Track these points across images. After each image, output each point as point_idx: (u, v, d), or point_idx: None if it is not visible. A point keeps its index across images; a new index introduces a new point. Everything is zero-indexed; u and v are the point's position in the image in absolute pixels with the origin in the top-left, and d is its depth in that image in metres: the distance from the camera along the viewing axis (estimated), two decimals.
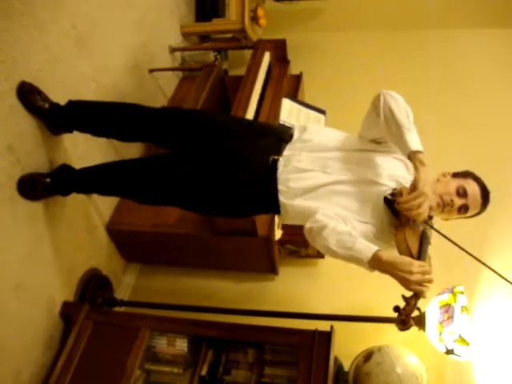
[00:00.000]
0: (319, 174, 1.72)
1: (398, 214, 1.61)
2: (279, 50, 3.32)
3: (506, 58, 3.76)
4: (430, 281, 1.42)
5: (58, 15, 2.26)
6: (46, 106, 2.09)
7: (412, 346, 2.20)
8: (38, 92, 2.08)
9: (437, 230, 1.59)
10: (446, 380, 2.31)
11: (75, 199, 2.36)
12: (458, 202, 1.67)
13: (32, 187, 2.07)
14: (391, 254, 1.52)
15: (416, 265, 1.43)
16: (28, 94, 2.03)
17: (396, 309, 1.43)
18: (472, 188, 1.68)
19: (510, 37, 3.88)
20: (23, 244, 2.09)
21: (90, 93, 2.53)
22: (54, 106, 2.11)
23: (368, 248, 1.52)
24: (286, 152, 1.81)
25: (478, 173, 1.75)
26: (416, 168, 1.56)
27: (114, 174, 2.04)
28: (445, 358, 2.15)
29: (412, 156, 1.58)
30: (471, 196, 1.67)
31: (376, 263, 1.49)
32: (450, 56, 3.84)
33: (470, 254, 1.55)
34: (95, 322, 2.22)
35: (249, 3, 3.55)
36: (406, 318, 1.41)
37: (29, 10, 2.06)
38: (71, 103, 2.12)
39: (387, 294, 2.54)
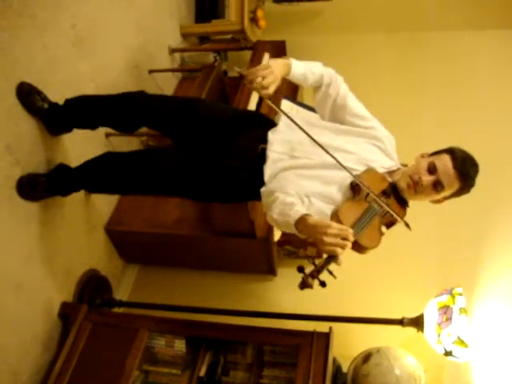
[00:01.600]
0: (286, 157, 1.74)
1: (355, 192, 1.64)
2: (278, 51, 3.31)
3: (504, 58, 3.77)
4: (343, 245, 1.36)
5: (57, 15, 2.26)
6: (46, 106, 2.09)
7: (410, 348, 2.21)
8: (38, 92, 2.08)
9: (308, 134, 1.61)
10: (444, 382, 2.31)
11: (74, 200, 2.36)
12: (428, 178, 1.62)
13: (31, 188, 2.07)
14: (319, 218, 1.49)
15: (333, 227, 1.39)
16: (27, 95, 2.04)
17: (300, 269, 1.39)
18: (442, 162, 1.62)
19: (507, 38, 3.88)
20: (22, 244, 2.09)
21: (88, 93, 2.52)
22: (53, 105, 2.11)
23: (298, 212, 1.51)
24: (269, 139, 1.82)
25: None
26: None
27: (108, 165, 2.03)
28: (443, 360, 2.15)
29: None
30: (441, 170, 1.61)
31: (302, 226, 1.47)
32: (448, 58, 3.84)
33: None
34: (94, 323, 2.21)
35: (248, 4, 3.55)
36: (309, 279, 1.36)
37: (28, 11, 2.06)
38: (68, 100, 2.12)
39: (386, 296, 2.57)
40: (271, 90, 1.59)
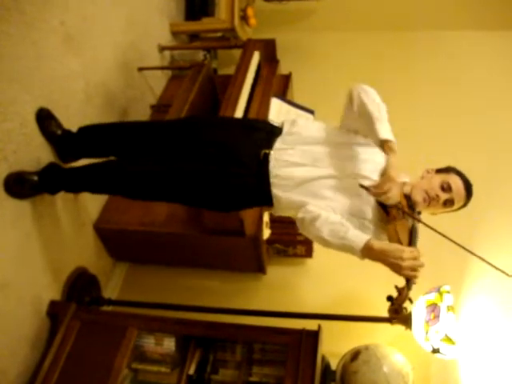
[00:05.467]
0: (310, 169, 1.76)
1: (386, 208, 1.67)
2: (269, 49, 3.32)
3: (494, 59, 3.81)
4: (421, 265, 1.47)
5: (46, 12, 2.25)
6: (59, 132, 2.22)
7: (399, 345, 2.22)
8: (54, 119, 2.23)
9: (425, 224, 1.63)
10: (431, 378, 2.33)
11: (63, 198, 2.35)
12: (443, 196, 1.74)
13: (19, 186, 2.05)
14: (382, 242, 1.57)
15: (407, 251, 1.49)
16: (45, 119, 2.19)
17: (389, 298, 1.48)
18: (455, 182, 1.75)
19: (497, 39, 3.93)
20: (10, 243, 2.07)
21: (78, 90, 2.51)
22: (67, 132, 2.22)
23: (360, 237, 1.57)
24: (277, 145, 1.84)
25: (466, 172, 1.81)
26: (386, 155, 1.70)
27: (105, 173, 2.04)
28: (431, 357, 2.17)
29: (383, 144, 1.71)
30: (455, 190, 1.74)
31: (368, 251, 1.54)
32: (437, 57, 3.88)
33: (460, 245, 1.59)
34: (82, 321, 2.20)
35: (239, 3, 3.55)
36: (399, 307, 1.46)
37: (17, 6, 2.05)
38: (81, 128, 2.21)
39: (374, 294, 2.58)
40: (396, 197, 1.63)
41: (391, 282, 2.59)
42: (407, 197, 1.73)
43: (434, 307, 2.10)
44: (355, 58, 3.95)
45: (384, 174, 1.68)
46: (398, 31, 4.09)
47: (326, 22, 4.29)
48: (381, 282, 2.55)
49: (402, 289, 1.46)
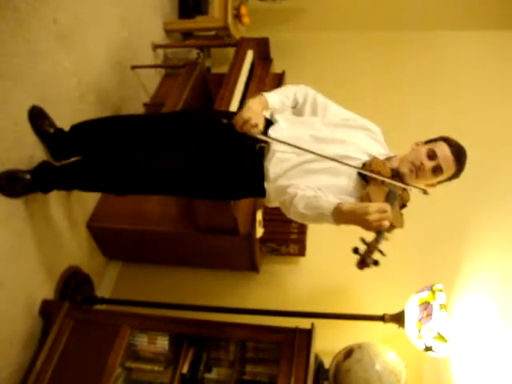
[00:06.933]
0: (293, 156, 1.79)
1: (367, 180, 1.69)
2: (262, 48, 3.32)
3: (486, 58, 3.83)
4: (387, 218, 1.45)
5: (40, 9, 2.24)
6: (51, 130, 2.20)
7: (391, 343, 2.23)
8: (47, 117, 2.20)
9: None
10: (424, 376, 2.34)
11: (55, 197, 2.34)
12: (428, 164, 1.74)
13: (11, 184, 2.04)
14: (351, 203, 1.58)
15: (372, 205, 1.47)
16: (37, 118, 2.16)
17: (355, 250, 1.43)
18: (441, 148, 1.74)
19: (490, 38, 3.95)
20: (2, 242, 2.05)
21: (71, 88, 2.50)
22: (59, 131, 2.20)
23: (330, 202, 1.59)
24: (270, 137, 1.86)
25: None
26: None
27: (96, 167, 2.03)
28: (423, 355, 2.18)
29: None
30: (441, 156, 1.73)
31: (338, 214, 1.54)
32: (430, 56, 3.89)
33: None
34: (76, 320, 2.19)
35: (232, 1, 3.55)
36: (366, 257, 1.41)
37: (10, 4, 2.03)
38: (73, 126, 2.19)
39: (367, 293, 2.59)
40: (260, 126, 1.70)
41: (383, 280, 2.61)
42: (394, 170, 1.75)
43: (426, 305, 2.11)
44: (348, 57, 3.96)
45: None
46: (390, 30, 4.10)
47: (319, 20, 4.30)
48: (374, 281, 2.58)
49: (370, 242, 1.43)
